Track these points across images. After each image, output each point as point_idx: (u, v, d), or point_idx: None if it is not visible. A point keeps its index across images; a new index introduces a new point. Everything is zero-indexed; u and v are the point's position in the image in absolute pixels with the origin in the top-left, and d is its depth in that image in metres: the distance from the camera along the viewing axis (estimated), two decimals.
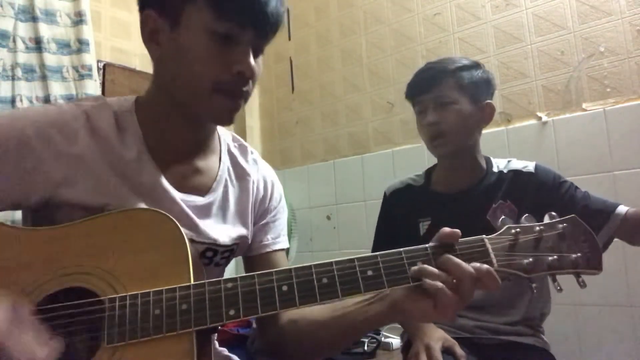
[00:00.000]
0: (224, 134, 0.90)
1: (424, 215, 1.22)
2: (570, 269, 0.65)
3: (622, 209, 1.07)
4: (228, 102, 0.72)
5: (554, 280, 0.66)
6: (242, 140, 0.93)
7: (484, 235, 0.67)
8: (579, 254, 0.65)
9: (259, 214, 0.89)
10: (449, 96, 1.17)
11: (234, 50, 0.70)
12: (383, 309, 0.68)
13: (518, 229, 0.66)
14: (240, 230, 0.84)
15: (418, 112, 1.24)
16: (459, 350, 1.04)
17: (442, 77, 1.18)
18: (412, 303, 0.64)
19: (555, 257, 0.65)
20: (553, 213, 0.69)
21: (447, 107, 1.17)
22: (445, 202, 1.21)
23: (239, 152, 0.90)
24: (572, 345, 1.65)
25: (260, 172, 0.91)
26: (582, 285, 0.65)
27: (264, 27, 0.71)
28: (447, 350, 1.03)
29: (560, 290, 0.66)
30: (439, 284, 0.61)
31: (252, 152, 0.92)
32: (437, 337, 1.05)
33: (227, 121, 0.76)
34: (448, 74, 1.18)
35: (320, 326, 0.76)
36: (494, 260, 0.64)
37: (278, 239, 0.90)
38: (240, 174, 0.87)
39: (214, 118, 0.77)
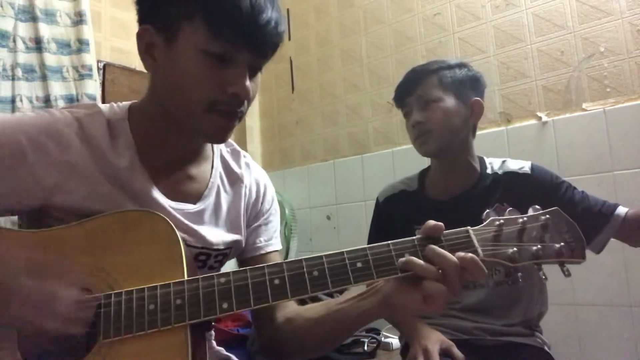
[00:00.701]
0: None
1: (420, 222, 1.20)
2: (554, 258, 0.67)
3: (621, 210, 1.06)
4: (222, 122, 0.72)
5: (539, 269, 0.68)
6: (234, 144, 0.93)
7: (468, 227, 0.69)
8: (562, 244, 0.67)
9: (251, 217, 0.90)
10: (431, 94, 1.16)
11: (229, 71, 0.69)
12: (375, 303, 0.69)
13: (502, 221, 0.68)
14: (234, 235, 0.85)
15: (405, 115, 1.24)
16: (457, 352, 1.03)
17: (423, 77, 1.18)
18: (401, 296, 0.66)
19: (539, 246, 0.67)
20: (537, 206, 0.70)
21: (431, 106, 1.16)
22: (441, 208, 1.19)
23: (231, 157, 0.90)
24: (572, 345, 1.65)
25: (253, 175, 0.92)
26: (567, 274, 0.67)
27: (260, 48, 0.70)
28: (444, 352, 1.02)
29: (546, 279, 0.68)
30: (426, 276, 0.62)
31: (244, 156, 0.93)
32: (434, 339, 1.04)
33: (220, 140, 0.77)
34: (429, 74, 1.18)
35: (316, 323, 0.77)
36: (479, 250, 0.66)
37: (271, 240, 0.91)
38: (233, 179, 0.88)
39: (207, 137, 0.78)
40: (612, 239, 1.08)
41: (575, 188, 1.13)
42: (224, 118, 0.72)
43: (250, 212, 0.90)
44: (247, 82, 0.70)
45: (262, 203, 0.91)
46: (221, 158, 0.88)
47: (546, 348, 1.17)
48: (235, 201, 0.87)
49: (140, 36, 0.72)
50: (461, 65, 1.21)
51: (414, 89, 1.19)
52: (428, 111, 1.16)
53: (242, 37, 0.67)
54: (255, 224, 0.90)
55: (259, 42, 0.69)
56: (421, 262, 0.63)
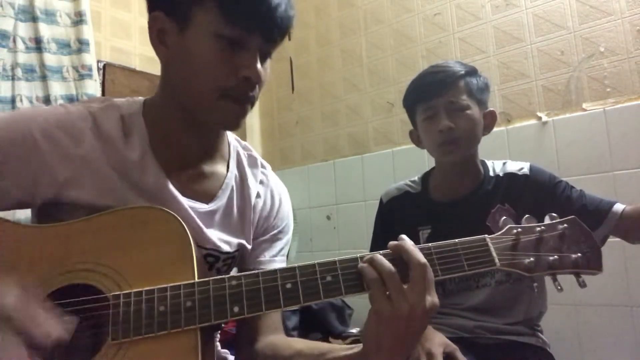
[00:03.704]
0: (234, 141, 0.89)
1: (424, 224, 1.20)
2: (570, 269, 0.67)
3: (618, 206, 1.07)
4: (234, 108, 0.72)
5: (555, 280, 0.67)
6: (252, 149, 0.92)
7: (485, 235, 0.68)
8: (579, 254, 0.67)
9: (262, 230, 0.88)
10: (462, 101, 1.14)
11: (241, 55, 0.69)
12: (358, 350, 0.65)
13: (519, 229, 0.68)
14: (241, 239, 0.84)
15: (428, 117, 1.17)
16: (460, 356, 1.01)
17: (453, 80, 1.14)
18: (366, 327, 0.62)
19: (556, 257, 0.66)
20: (554, 214, 0.70)
21: (462, 113, 1.13)
22: (445, 210, 1.20)
23: (248, 162, 0.89)
24: (572, 345, 1.65)
25: (270, 188, 0.90)
26: (582, 285, 0.67)
27: (272, 31, 0.70)
28: (448, 356, 1.01)
29: (561, 289, 0.67)
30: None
31: (263, 166, 0.91)
32: (438, 342, 1.02)
33: (233, 126, 0.76)
34: (458, 78, 1.15)
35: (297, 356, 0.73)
36: (496, 259, 0.65)
37: (275, 257, 0.88)
38: (247, 185, 0.86)
39: (220, 123, 0.76)
40: (611, 239, 1.08)
41: (573, 187, 1.14)
42: (237, 104, 0.72)
43: (262, 225, 0.88)
44: (259, 66, 0.70)
45: (274, 218, 0.89)
46: (238, 160, 0.87)
47: (547, 348, 1.17)
48: (247, 208, 0.85)
49: (151, 24, 0.72)
50: (476, 71, 1.20)
51: (443, 92, 1.14)
52: (458, 118, 1.13)
53: (255, 20, 0.68)
54: (263, 238, 0.88)
55: (270, 25, 0.69)
56: (364, 264, 0.62)
